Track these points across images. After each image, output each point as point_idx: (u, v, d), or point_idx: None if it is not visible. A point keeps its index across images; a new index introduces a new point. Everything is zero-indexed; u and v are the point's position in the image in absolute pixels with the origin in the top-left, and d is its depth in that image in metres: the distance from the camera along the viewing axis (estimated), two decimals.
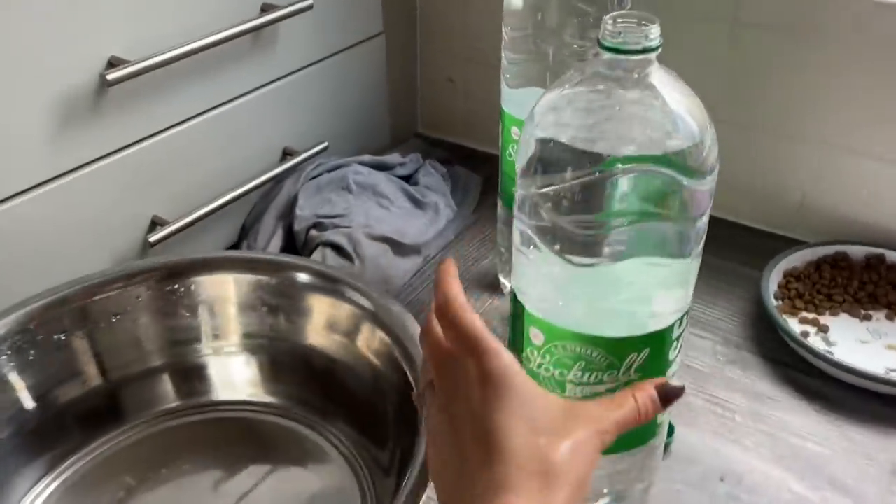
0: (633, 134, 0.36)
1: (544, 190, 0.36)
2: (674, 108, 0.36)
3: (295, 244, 0.69)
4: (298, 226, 0.68)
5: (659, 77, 0.36)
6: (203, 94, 0.65)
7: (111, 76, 0.55)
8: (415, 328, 0.47)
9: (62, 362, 0.49)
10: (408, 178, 0.78)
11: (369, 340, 0.49)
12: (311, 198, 0.70)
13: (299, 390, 0.53)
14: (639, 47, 0.35)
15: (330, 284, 0.52)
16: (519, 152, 0.39)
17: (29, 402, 0.47)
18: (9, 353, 0.47)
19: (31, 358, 0.47)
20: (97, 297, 0.50)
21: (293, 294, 0.53)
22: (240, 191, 0.69)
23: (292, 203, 0.70)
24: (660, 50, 0.35)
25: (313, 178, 0.73)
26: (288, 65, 0.72)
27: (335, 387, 0.52)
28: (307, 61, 0.74)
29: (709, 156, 0.36)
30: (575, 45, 0.52)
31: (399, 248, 0.68)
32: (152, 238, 0.62)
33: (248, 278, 0.53)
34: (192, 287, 0.53)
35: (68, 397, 0.49)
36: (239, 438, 0.52)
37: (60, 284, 0.51)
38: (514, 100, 0.56)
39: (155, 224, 0.64)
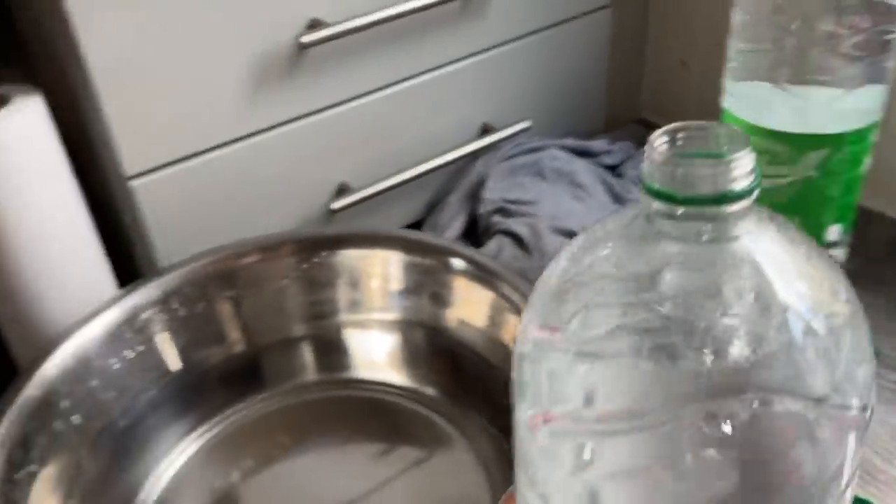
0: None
1: None
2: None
3: (477, 228, 0.65)
4: (483, 209, 0.64)
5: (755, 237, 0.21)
6: (403, 62, 0.63)
7: (307, 39, 0.54)
8: None
9: (209, 326, 0.49)
10: (613, 169, 0.70)
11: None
12: (502, 180, 0.66)
13: (438, 377, 0.51)
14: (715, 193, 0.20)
15: (484, 274, 0.49)
16: None
17: (176, 364, 0.49)
18: (162, 313, 0.48)
19: (181, 320, 0.49)
20: (247, 262, 0.51)
21: (445, 279, 0.50)
22: (431, 165, 0.66)
23: (481, 184, 0.66)
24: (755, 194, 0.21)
25: (508, 158, 0.68)
26: (498, 35, 0.68)
27: (476, 380, 0.49)
28: (520, 32, 0.69)
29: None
30: (825, 31, 0.42)
31: None
32: (336, 205, 0.61)
33: (400, 257, 0.51)
34: (343, 260, 0.52)
35: (212, 361, 0.49)
36: (373, 419, 0.50)
37: (210, 249, 0.51)
38: (738, 94, 0.47)
39: (341, 191, 0.63)
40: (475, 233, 0.65)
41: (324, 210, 0.63)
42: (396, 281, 0.52)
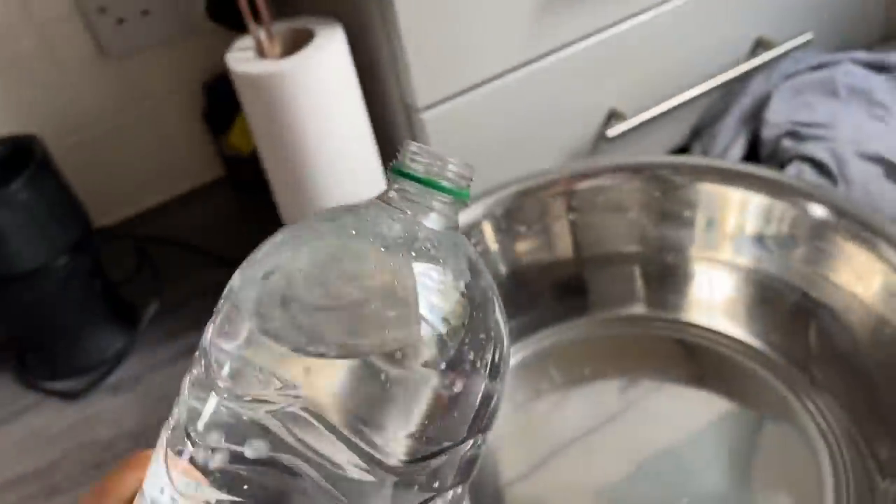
0: None
1: None
2: None
3: (758, 154, 0.60)
4: (768, 132, 0.59)
5: None
6: None
7: None
8: None
9: (544, 244, 0.49)
10: None
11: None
12: (788, 101, 0.60)
13: (784, 339, 0.46)
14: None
15: (859, 230, 0.42)
16: None
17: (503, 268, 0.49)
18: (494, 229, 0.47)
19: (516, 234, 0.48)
20: (585, 184, 0.49)
21: (806, 231, 0.44)
22: (704, 87, 0.61)
23: (762, 105, 0.61)
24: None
25: (790, 76, 0.62)
26: None
27: (834, 351, 0.44)
28: None
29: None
30: None
31: (895, 171, 0.55)
32: (611, 132, 0.58)
33: (761, 200, 0.46)
34: (694, 194, 0.48)
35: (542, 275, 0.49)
36: (698, 369, 0.47)
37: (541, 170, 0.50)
38: None
39: (611, 117, 0.60)
40: (756, 157, 0.60)
41: (595, 137, 0.60)
42: (755, 226, 0.47)
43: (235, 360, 0.22)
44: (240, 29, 0.52)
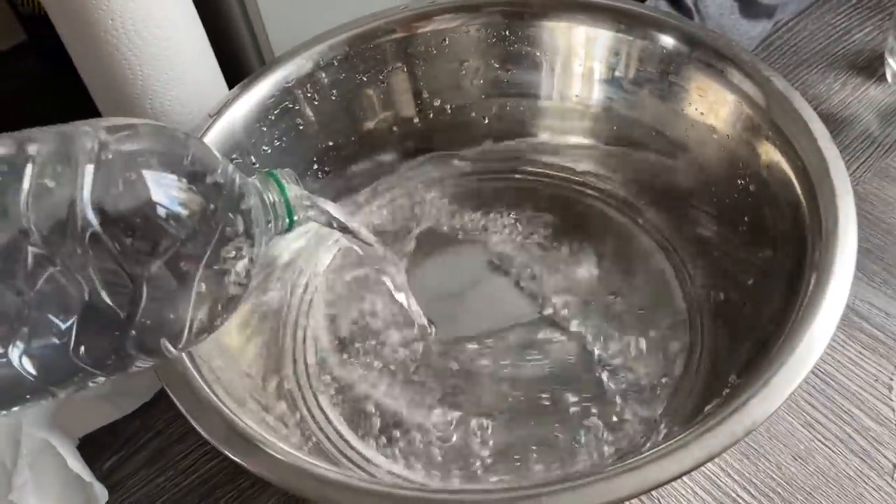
0: None
1: None
2: None
3: None
4: None
5: None
6: None
7: None
8: (822, 135, 0.34)
9: (376, 99, 0.44)
10: None
11: (749, 141, 0.38)
12: None
13: (636, 175, 0.44)
14: None
15: (704, 55, 0.39)
16: None
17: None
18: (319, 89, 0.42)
19: (340, 94, 0.43)
20: (421, 29, 0.43)
21: (658, 64, 0.41)
22: None
23: None
24: None
25: None
26: None
27: (687, 189, 0.42)
28: None
29: None
30: None
31: (749, 6, 0.54)
32: None
33: (605, 34, 0.42)
34: (536, 34, 0.43)
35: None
36: (547, 208, 0.45)
37: (373, 14, 0.44)
38: None
39: None
40: None
41: None
42: (602, 63, 0.43)
43: None
44: None
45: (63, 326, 0.22)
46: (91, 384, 0.25)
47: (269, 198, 0.29)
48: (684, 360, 0.38)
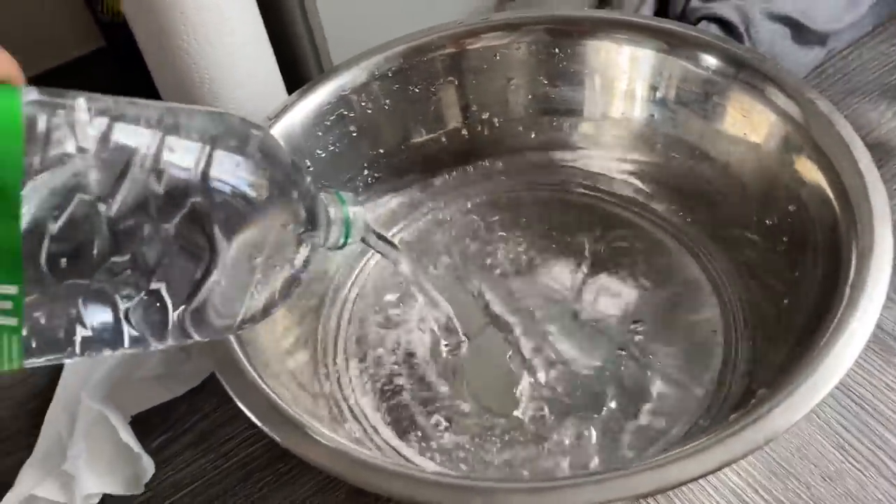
0: None
1: None
2: None
3: (667, 14, 0.57)
4: None
5: None
6: None
7: None
8: (863, 156, 0.34)
9: (426, 110, 0.46)
10: None
11: (791, 161, 0.38)
12: None
13: (678, 193, 0.45)
14: None
15: (748, 77, 0.40)
16: None
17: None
18: (373, 98, 0.44)
19: (393, 104, 0.45)
20: (473, 45, 0.45)
21: (703, 84, 0.42)
22: None
23: None
24: None
25: None
26: None
27: (728, 208, 0.43)
28: None
29: None
30: None
31: (801, 33, 0.54)
32: None
33: (648, 54, 0.43)
34: (583, 52, 0.44)
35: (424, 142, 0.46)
36: (587, 227, 0.46)
37: (429, 28, 0.46)
38: None
39: None
40: (665, 17, 0.58)
41: None
42: (643, 82, 0.44)
43: None
44: None
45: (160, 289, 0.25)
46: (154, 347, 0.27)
47: (331, 212, 0.31)
48: (717, 373, 0.39)
